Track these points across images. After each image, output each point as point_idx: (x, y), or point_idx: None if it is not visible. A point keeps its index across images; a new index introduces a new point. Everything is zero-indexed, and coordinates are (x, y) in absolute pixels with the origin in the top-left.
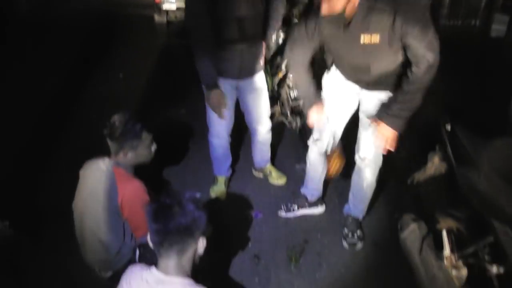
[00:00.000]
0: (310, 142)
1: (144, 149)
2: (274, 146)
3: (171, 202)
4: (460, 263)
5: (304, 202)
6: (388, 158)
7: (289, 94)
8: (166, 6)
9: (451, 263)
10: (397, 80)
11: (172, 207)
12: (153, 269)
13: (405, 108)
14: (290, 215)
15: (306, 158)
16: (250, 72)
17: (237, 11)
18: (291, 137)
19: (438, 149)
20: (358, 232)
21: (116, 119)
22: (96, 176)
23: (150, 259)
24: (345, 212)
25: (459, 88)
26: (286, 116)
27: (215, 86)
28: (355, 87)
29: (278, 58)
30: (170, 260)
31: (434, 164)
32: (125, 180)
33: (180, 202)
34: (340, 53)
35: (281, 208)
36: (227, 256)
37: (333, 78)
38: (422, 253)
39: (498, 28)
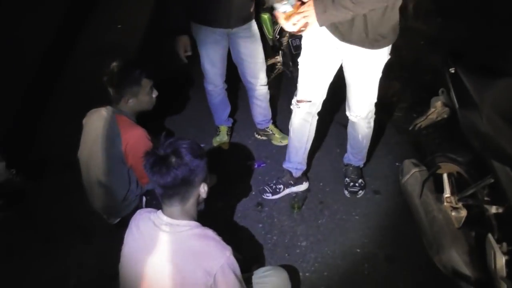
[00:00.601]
0: (292, 105)
1: (144, 95)
2: (275, 103)
3: (167, 153)
4: (460, 204)
5: (288, 179)
6: (388, 108)
7: (291, 42)
8: None
9: (450, 205)
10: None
11: (167, 158)
12: (160, 213)
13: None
14: (276, 196)
15: (289, 125)
16: (239, 21)
17: None
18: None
19: (441, 93)
20: (359, 181)
21: (115, 65)
22: (100, 124)
23: (156, 206)
24: (345, 161)
25: (463, 34)
26: (288, 66)
27: (181, 31)
28: (334, 41)
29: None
30: (173, 207)
31: (437, 109)
32: (128, 127)
33: (176, 151)
34: None
35: (266, 191)
36: (231, 203)
37: (313, 31)
38: (422, 196)
39: None
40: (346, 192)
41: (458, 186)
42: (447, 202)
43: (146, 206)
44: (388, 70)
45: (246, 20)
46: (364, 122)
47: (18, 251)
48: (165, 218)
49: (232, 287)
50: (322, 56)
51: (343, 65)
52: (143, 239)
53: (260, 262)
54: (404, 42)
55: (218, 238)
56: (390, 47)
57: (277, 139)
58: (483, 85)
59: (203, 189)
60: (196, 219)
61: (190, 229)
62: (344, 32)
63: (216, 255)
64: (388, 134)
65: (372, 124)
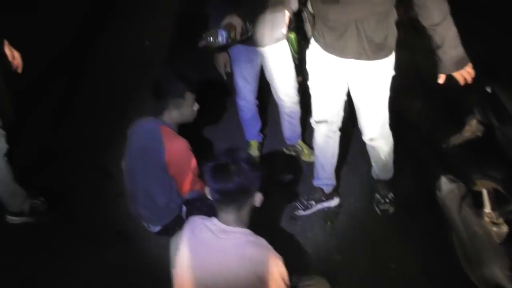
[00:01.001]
0: (312, 123)
1: (187, 108)
2: (304, 120)
3: (227, 162)
4: (501, 220)
5: (320, 195)
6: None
7: None
8: None
9: (491, 220)
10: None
11: (228, 166)
12: (215, 220)
13: (451, 44)
14: (308, 212)
15: (313, 143)
16: (272, 40)
17: None
18: None
19: (476, 112)
20: (389, 195)
21: (161, 78)
22: (144, 134)
23: (195, 215)
24: (373, 176)
25: (493, 51)
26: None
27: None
28: (334, 60)
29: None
30: (229, 215)
31: (472, 127)
32: (172, 138)
33: (237, 161)
34: None
35: (298, 207)
36: (264, 216)
37: (314, 54)
38: (461, 211)
39: None
40: (377, 209)
41: (497, 201)
42: (487, 217)
43: (187, 215)
44: (409, 89)
45: (279, 39)
46: (380, 143)
47: (61, 251)
48: (221, 225)
49: None
50: (327, 77)
51: (348, 85)
52: (202, 245)
53: (298, 273)
54: (421, 60)
55: (270, 247)
56: (393, 60)
57: (306, 155)
58: None
59: (258, 198)
60: (248, 226)
61: (245, 236)
62: (339, 47)
63: (271, 263)
64: (413, 151)
65: (391, 140)
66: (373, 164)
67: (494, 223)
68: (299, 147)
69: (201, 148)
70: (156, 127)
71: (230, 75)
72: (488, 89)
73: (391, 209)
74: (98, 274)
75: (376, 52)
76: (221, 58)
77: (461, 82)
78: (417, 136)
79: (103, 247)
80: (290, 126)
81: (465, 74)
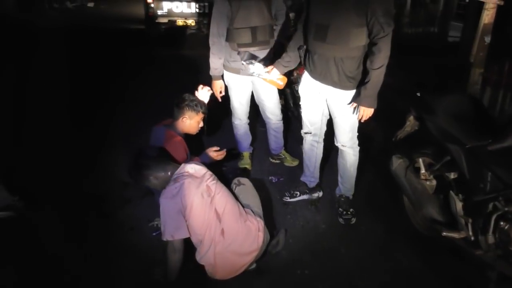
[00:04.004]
0: (302, 133)
1: (196, 122)
2: (285, 134)
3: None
4: (431, 177)
5: (304, 189)
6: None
7: (294, 88)
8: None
9: (425, 178)
10: (348, 82)
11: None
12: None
13: (374, 87)
14: (293, 200)
15: (302, 148)
16: None
17: (250, 22)
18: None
19: (412, 110)
20: (350, 210)
21: (186, 95)
22: (153, 136)
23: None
24: (337, 193)
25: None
26: (290, 107)
27: (218, 78)
28: (318, 85)
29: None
30: None
31: (411, 122)
32: (172, 136)
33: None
34: (312, 7)
35: (285, 195)
36: (265, 203)
37: (305, 80)
38: (406, 176)
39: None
40: (340, 219)
41: (428, 166)
42: (423, 176)
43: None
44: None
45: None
46: (350, 150)
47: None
48: None
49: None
50: (312, 98)
51: (327, 103)
52: None
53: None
54: None
55: None
56: None
57: (289, 161)
58: (438, 100)
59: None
60: None
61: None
62: (321, 76)
63: None
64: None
65: (357, 153)
66: (338, 178)
67: (427, 179)
68: (283, 156)
69: (196, 154)
70: (162, 131)
71: (224, 98)
72: (418, 94)
73: (353, 220)
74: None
75: (347, 83)
76: (218, 84)
77: (360, 116)
78: (373, 145)
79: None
80: (275, 139)
81: (367, 112)
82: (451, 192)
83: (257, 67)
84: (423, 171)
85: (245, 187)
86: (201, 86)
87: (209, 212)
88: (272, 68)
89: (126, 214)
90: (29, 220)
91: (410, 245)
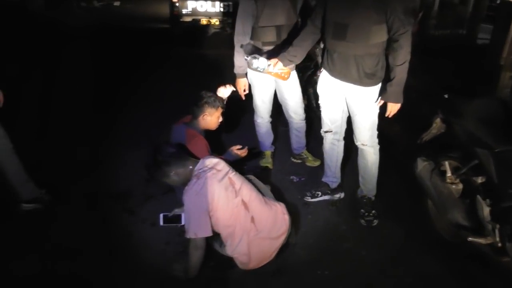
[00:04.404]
0: (322, 133)
1: (216, 117)
2: (307, 135)
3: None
4: (458, 181)
5: (326, 189)
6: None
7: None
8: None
9: (451, 182)
10: (368, 79)
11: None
12: None
13: (399, 83)
14: (315, 200)
15: (322, 148)
16: None
17: (275, 21)
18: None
19: (439, 113)
20: (373, 211)
21: (203, 93)
22: (174, 135)
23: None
24: (359, 194)
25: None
26: (312, 109)
27: (242, 76)
28: (337, 83)
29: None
30: None
31: (437, 125)
32: (193, 135)
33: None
34: (329, 6)
35: (307, 195)
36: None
37: (323, 79)
38: (432, 179)
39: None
40: (362, 221)
41: (455, 170)
42: (449, 180)
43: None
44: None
45: (290, 69)
46: (370, 149)
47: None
48: None
49: None
50: (331, 95)
51: (346, 101)
52: None
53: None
54: None
55: None
56: (379, 86)
57: (311, 161)
58: (466, 103)
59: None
60: None
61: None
62: (341, 73)
63: None
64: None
65: (377, 152)
66: (360, 179)
67: (453, 183)
68: (304, 155)
69: (218, 152)
70: (183, 130)
71: (247, 96)
72: (446, 96)
73: (375, 222)
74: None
75: (367, 80)
76: (242, 82)
77: (388, 112)
78: (397, 148)
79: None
80: (297, 139)
81: (394, 108)
82: (478, 196)
83: (261, 61)
84: (449, 174)
85: (254, 179)
86: (223, 85)
87: (236, 203)
88: (276, 62)
89: (148, 210)
90: (55, 213)
91: (432, 250)
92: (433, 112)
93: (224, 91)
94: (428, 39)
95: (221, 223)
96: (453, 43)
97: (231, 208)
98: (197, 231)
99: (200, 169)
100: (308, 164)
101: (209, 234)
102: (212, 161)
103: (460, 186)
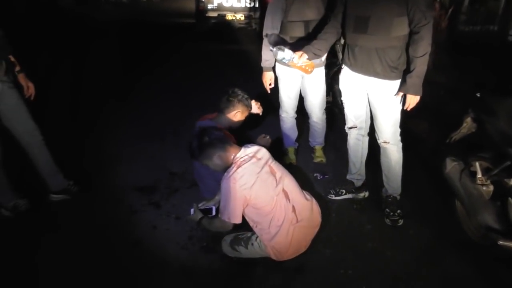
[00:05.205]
0: (346, 129)
1: (244, 116)
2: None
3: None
4: (488, 182)
5: (350, 187)
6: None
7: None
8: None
9: (482, 183)
10: (390, 73)
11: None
12: None
13: (419, 75)
14: (338, 198)
15: (347, 145)
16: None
17: (304, 16)
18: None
19: (470, 111)
20: (398, 211)
21: (238, 90)
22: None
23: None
24: (383, 193)
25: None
26: (337, 105)
27: (268, 69)
28: (360, 78)
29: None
30: None
31: (468, 124)
32: (222, 131)
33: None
34: (349, 2)
35: (330, 192)
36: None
37: (345, 75)
38: (461, 180)
39: None
40: (387, 220)
41: (485, 171)
42: (479, 181)
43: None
44: (416, 113)
45: (317, 66)
46: (393, 147)
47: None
48: None
49: None
50: (355, 92)
51: (368, 96)
52: None
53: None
54: (427, 92)
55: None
56: (400, 81)
57: (317, 158)
58: (499, 102)
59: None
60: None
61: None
62: (363, 67)
63: None
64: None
65: (400, 149)
66: (384, 178)
67: (484, 185)
68: (314, 150)
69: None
70: (211, 125)
71: (273, 90)
72: (478, 95)
73: (400, 221)
74: None
75: (389, 73)
76: (268, 76)
77: (407, 105)
78: (425, 146)
79: None
80: (314, 133)
81: (414, 100)
82: (510, 199)
83: (286, 53)
84: (479, 175)
85: None
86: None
87: (277, 192)
88: (301, 54)
89: (172, 204)
90: (82, 205)
91: (459, 253)
92: (463, 110)
93: (254, 107)
94: (458, 35)
95: (261, 212)
96: (484, 39)
97: (271, 196)
98: (231, 217)
99: (241, 157)
100: (314, 160)
101: (239, 221)
102: (253, 149)
103: (491, 187)
